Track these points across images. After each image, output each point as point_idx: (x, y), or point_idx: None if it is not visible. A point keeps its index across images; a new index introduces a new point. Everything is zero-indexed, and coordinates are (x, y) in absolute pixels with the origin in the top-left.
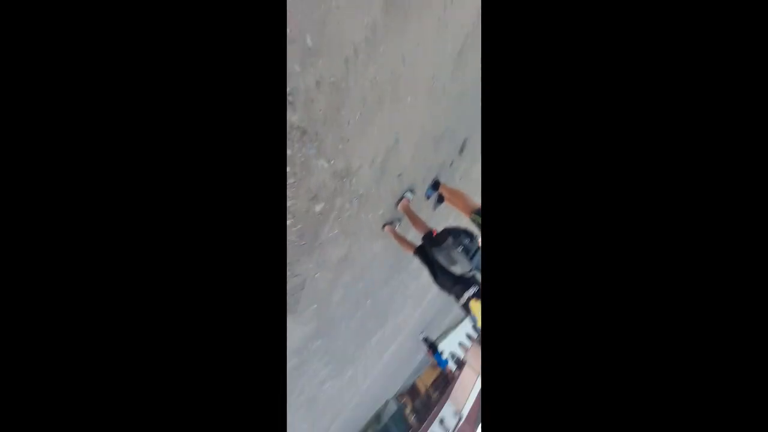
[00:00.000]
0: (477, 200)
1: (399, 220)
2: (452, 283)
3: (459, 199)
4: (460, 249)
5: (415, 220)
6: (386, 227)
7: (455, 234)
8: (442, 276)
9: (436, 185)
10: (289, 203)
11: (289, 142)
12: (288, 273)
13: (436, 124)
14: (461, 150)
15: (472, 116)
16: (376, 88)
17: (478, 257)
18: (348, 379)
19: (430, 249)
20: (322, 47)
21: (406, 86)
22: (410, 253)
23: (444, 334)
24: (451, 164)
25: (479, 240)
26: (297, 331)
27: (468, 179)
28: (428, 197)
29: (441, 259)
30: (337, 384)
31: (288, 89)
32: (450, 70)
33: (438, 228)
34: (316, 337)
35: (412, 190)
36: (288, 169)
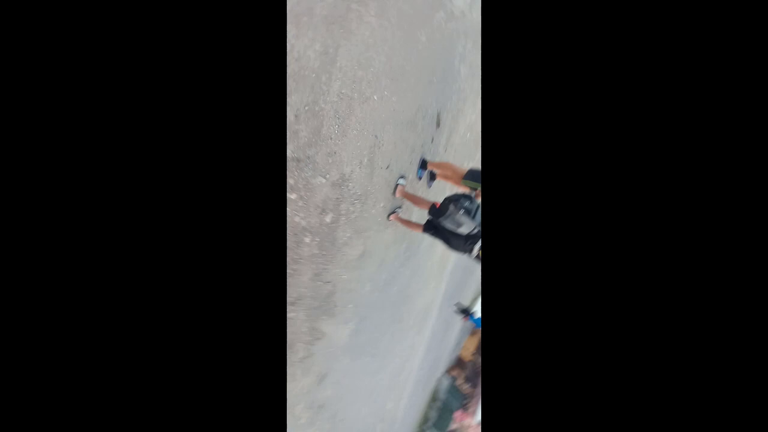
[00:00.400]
0: (465, 166)
1: (399, 206)
2: (463, 242)
3: (448, 169)
4: (462, 212)
5: (415, 200)
6: (391, 216)
7: (455, 200)
8: (453, 240)
9: (424, 164)
10: (304, 223)
11: (289, 172)
12: (319, 283)
13: (407, 109)
14: (438, 124)
15: (439, 89)
16: (344, 99)
17: (479, 214)
18: (397, 366)
19: (437, 220)
20: (291, 84)
21: (369, 86)
22: (419, 232)
23: (474, 300)
24: (432, 140)
25: (478, 199)
26: (341, 332)
27: (452, 149)
28: (420, 177)
29: (448, 224)
30: (389, 372)
31: None
32: (403, 55)
33: (439, 200)
34: (359, 332)
35: (403, 176)
36: (294, 195)
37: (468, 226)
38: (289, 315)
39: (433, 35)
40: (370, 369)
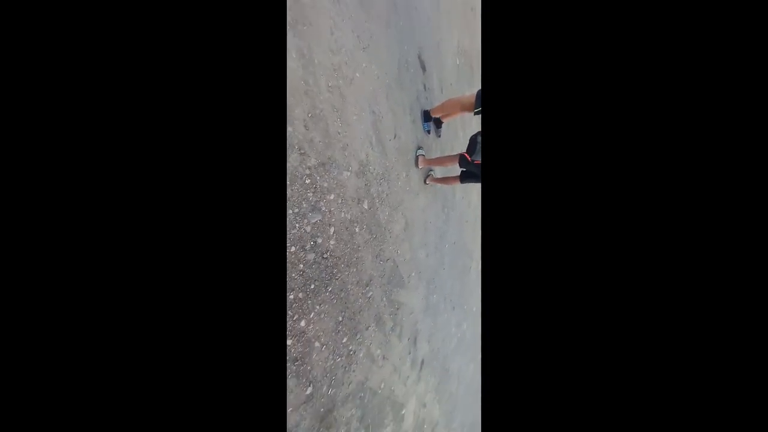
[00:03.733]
0: (469, 94)
1: (431, 169)
2: None
3: (454, 106)
4: None
5: (442, 161)
6: (428, 179)
7: (478, 133)
8: None
9: (426, 115)
10: (349, 216)
11: (321, 177)
12: (381, 262)
13: (389, 67)
14: (423, 68)
15: (408, 32)
16: (334, 91)
17: None
18: (475, 312)
19: (472, 164)
20: (291, 99)
21: (348, 67)
22: (458, 184)
23: None
24: (425, 87)
25: None
26: (415, 297)
27: (447, 85)
28: (428, 131)
29: (479, 157)
30: (471, 321)
31: (296, 145)
32: (363, 20)
33: (455, 149)
34: (431, 293)
35: (420, 147)
36: (332, 196)
37: None
38: (367, 295)
39: None
40: (454, 321)
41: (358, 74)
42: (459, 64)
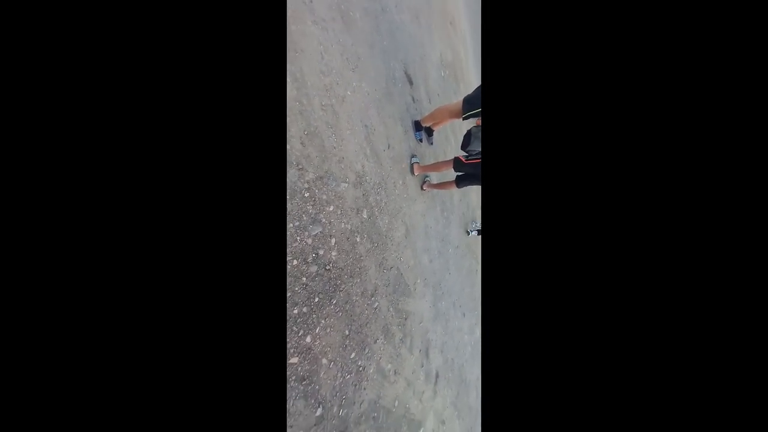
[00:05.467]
0: (456, 102)
1: (427, 176)
2: None
3: (443, 114)
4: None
5: (437, 167)
6: (424, 186)
7: (471, 130)
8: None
9: (417, 125)
10: (349, 226)
11: (319, 190)
12: (385, 271)
13: (377, 83)
14: (410, 81)
15: (392, 49)
16: (327, 109)
17: None
18: None
19: (466, 165)
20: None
21: (339, 87)
22: (454, 189)
23: None
24: (413, 99)
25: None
26: (422, 305)
27: (435, 96)
28: (420, 140)
29: (478, 147)
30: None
31: (294, 161)
32: (351, 42)
33: (448, 156)
34: (439, 299)
35: (414, 155)
36: (331, 208)
37: None
38: (373, 305)
39: (363, 7)
40: (465, 327)
41: (349, 92)
42: (443, 75)
